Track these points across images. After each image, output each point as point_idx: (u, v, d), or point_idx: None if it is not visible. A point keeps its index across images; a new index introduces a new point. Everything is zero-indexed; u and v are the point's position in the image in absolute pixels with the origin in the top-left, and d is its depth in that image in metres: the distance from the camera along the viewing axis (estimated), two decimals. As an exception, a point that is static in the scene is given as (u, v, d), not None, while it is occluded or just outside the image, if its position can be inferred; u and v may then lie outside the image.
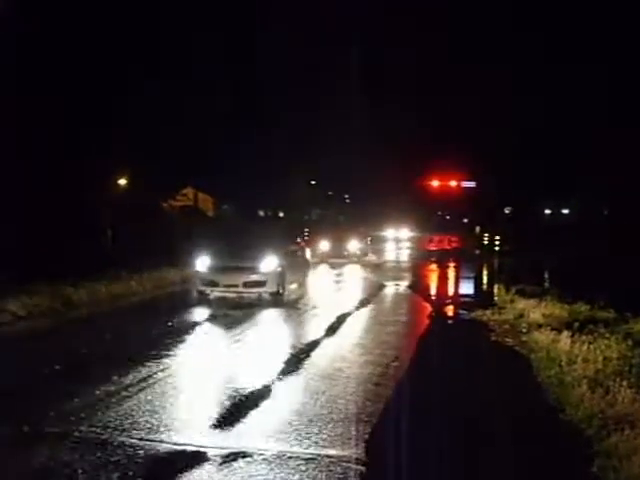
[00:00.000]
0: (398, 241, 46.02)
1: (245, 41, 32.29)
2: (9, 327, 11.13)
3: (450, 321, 13.66)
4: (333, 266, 24.85)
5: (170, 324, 11.43)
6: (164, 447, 5.42)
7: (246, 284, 14.11)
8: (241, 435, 5.77)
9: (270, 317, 13.06)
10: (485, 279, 22.42)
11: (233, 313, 12.76)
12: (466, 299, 16.82)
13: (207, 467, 5.05)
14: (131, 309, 14.12)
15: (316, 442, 5.58)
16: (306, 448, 5.44)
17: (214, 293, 14.33)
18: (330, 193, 59.94)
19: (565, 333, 9.51)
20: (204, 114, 26.13)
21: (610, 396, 6.52)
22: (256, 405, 6.64)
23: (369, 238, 32.08)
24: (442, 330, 12.09)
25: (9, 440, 5.56)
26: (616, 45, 31.81)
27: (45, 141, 17.85)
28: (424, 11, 39.27)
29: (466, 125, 40.71)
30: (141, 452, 5.27)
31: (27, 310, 11.94)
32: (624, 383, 6.78)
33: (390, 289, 18.27)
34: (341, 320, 12.24)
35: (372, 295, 16.65)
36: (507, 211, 54.36)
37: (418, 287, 18.79)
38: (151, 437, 5.63)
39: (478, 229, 39.93)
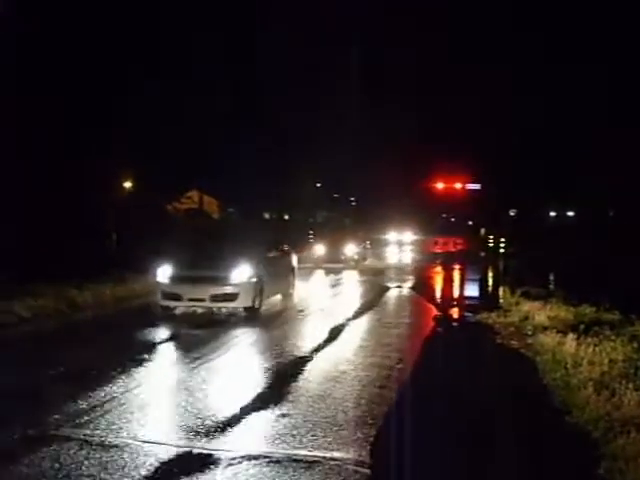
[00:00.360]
0: (401, 244, 43.47)
1: (245, 41, 32.37)
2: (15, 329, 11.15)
3: (455, 323, 13.64)
4: (328, 273, 23.17)
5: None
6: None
7: (214, 297, 12.20)
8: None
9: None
10: (490, 281, 22.39)
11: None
12: (471, 301, 16.79)
13: None
14: (132, 313, 13.88)
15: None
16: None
17: (179, 308, 12.58)
18: (336, 195, 59.96)
19: (570, 335, 9.48)
20: (204, 114, 26.19)
21: (616, 398, 6.50)
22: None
23: (368, 241, 30.71)
24: (447, 332, 12.06)
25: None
26: (616, 45, 31.80)
27: (45, 141, 17.90)
28: (424, 11, 39.36)
29: (468, 127, 40.75)
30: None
31: (32, 312, 11.95)
32: (630, 385, 6.76)
33: (392, 292, 18.16)
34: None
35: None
36: (512, 213, 54.31)
37: (423, 290, 18.73)
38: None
39: (483, 231, 39.92)
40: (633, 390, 6.61)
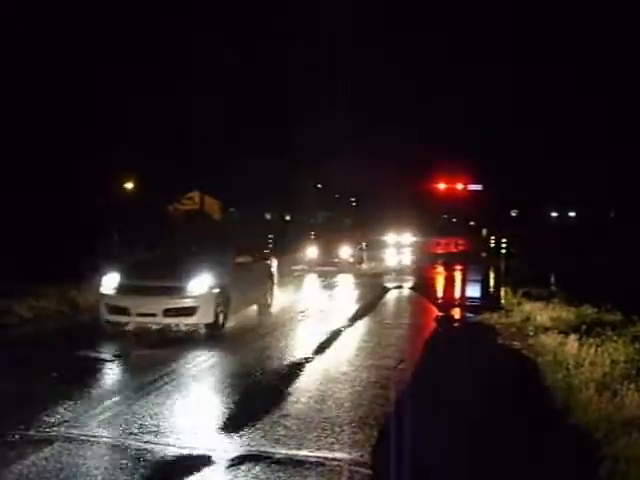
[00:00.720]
0: (400, 247, 42.66)
1: (245, 41, 32.43)
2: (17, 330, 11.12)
3: (457, 324, 13.63)
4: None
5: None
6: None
7: (168, 312, 10.28)
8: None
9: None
10: (492, 282, 22.37)
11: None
12: (473, 302, 16.77)
13: None
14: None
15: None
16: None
17: (130, 325, 10.62)
18: (337, 196, 60.01)
19: (572, 336, 9.47)
20: (205, 114, 26.22)
21: (618, 399, 6.48)
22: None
23: (364, 243, 28.86)
24: (449, 333, 12.05)
25: None
26: (617, 46, 31.82)
27: (45, 141, 17.92)
28: (424, 11, 39.43)
29: (469, 127, 40.82)
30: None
31: (34, 313, 11.94)
32: (632, 386, 6.74)
33: (392, 293, 18.06)
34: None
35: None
36: (513, 214, 54.35)
37: (424, 290, 18.70)
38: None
39: (485, 232, 39.91)
40: (635, 391, 6.60)
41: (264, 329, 11.63)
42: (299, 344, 10.50)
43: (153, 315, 10.38)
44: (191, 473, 5.00)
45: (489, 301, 16.50)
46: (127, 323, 10.62)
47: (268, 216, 48.57)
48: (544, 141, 39.85)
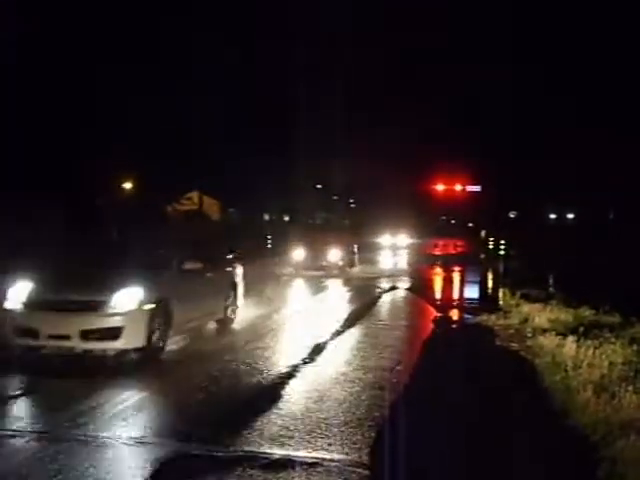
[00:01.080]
0: (395, 249, 41.09)
1: (245, 41, 32.51)
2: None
3: (455, 325, 13.62)
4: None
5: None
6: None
7: (87, 334, 8.10)
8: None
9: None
10: (490, 283, 22.37)
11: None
12: (471, 303, 16.77)
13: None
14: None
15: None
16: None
17: (46, 349, 8.42)
18: (335, 197, 60.05)
19: (570, 338, 9.47)
20: (204, 114, 26.26)
21: (616, 401, 6.49)
22: None
23: (356, 246, 27.11)
24: (446, 334, 12.05)
25: None
26: (617, 46, 31.86)
27: (45, 141, 17.93)
28: (424, 11, 39.48)
29: (469, 128, 40.86)
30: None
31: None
32: (630, 388, 6.75)
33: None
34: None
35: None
36: (512, 215, 54.37)
37: (422, 292, 18.67)
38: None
39: (483, 233, 39.93)
40: (633, 393, 6.61)
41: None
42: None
43: (67, 338, 8.13)
44: None
45: (487, 302, 16.49)
46: (40, 347, 8.39)
47: (267, 217, 48.58)
48: (543, 142, 39.90)
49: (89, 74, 19.25)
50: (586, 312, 12.29)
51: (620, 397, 6.55)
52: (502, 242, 31.42)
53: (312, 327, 11.99)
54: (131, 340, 8.25)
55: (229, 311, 11.25)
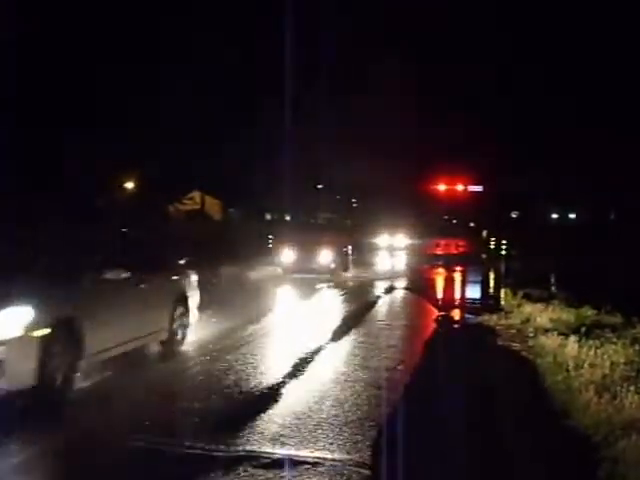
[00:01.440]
0: (392, 250, 39.06)
1: (245, 40, 32.53)
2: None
3: (456, 325, 13.61)
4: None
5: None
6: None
7: None
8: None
9: None
10: (492, 283, 22.37)
11: None
12: (473, 303, 16.76)
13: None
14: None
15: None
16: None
17: None
18: (338, 197, 59.96)
19: (572, 338, 9.47)
20: (204, 114, 26.28)
21: (617, 401, 6.47)
22: None
23: (350, 247, 25.04)
24: (448, 334, 12.04)
25: None
26: (617, 46, 31.86)
27: (45, 141, 17.94)
28: (424, 11, 39.47)
29: (470, 128, 40.80)
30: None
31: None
32: (631, 388, 6.73)
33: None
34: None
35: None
36: (514, 215, 54.35)
37: (424, 292, 18.66)
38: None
39: (485, 233, 39.90)
40: (634, 393, 6.59)
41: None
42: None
43: None
44: None
45: (489, 302, 16.49)
46: None
47: (268, 216, 48.56)
48: (544, 141, 39.90)
49: (89, 74, 19.25)
50: (588, 312, 12.29)
51: (622, 397, 6.53)
52: (504, 242, 31.44)
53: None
54: (15, 378, 6.02)
55: (177, 330, 9.03)
